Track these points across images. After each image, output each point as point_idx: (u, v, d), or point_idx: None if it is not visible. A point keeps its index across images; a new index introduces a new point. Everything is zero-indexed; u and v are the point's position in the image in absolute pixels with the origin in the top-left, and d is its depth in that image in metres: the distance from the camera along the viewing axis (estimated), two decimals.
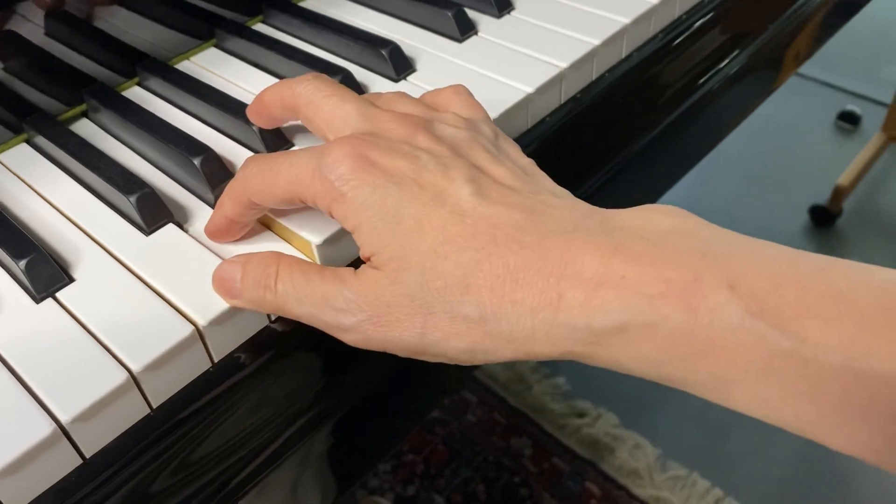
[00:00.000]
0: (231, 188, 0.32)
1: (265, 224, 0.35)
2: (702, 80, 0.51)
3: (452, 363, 0.28)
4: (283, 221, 0.33)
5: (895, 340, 0.21)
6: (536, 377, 1.25)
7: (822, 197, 1.44)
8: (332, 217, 0.29)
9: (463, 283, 0.26)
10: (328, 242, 0.33)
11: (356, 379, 0.36)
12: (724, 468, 1.12)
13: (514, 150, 0.32)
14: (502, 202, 0.27)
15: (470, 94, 0.34)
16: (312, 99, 0.32)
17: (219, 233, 0.33)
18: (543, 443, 1.17)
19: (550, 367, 1.26)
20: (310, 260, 0.32)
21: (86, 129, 0.42)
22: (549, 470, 1.14)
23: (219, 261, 0.32)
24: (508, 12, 0.47)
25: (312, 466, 0.37)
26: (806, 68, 1.78)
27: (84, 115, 0.43)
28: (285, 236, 0.34)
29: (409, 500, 1.12)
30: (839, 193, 1.41)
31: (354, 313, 0.28)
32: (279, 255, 0.30)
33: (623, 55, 0.47)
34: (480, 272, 0.26)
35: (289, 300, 0.29)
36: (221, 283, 0.31)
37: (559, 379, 1.24)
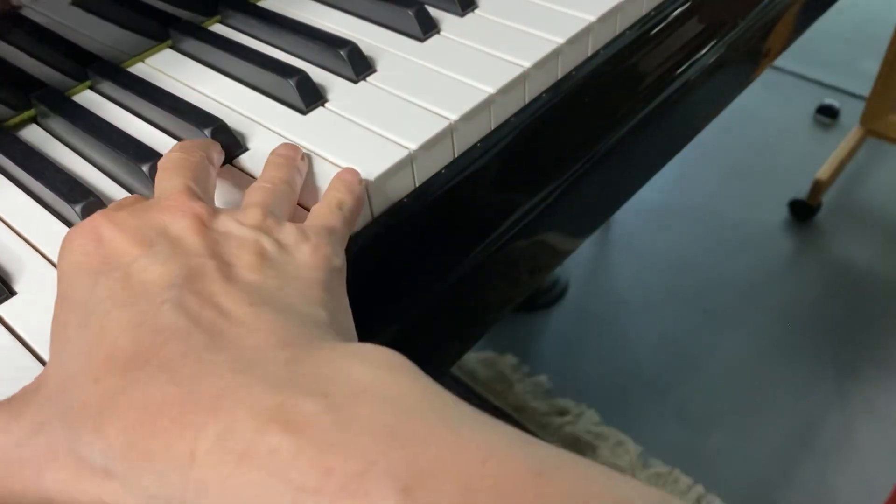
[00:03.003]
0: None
1: None
2: (675, 75, 0.51)
3: None
4: None
5: None
6: (518, 376, 1.24)
7: (802, 191, 1.44)
8: None
9: (97, 420, 0.21)
10: None
11: None
12: (705, 465, 1.11)
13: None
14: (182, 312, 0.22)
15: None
16: None
17: None
18: None
19: (532, 364, 1.26)
20: None
21: (35, 135, 0.41)
22: None
23: None
24: (472, 10, 0.46)
25: None
26: (784, 62, 1.78)
27: (34, 120, 0.42)
28: None
29: None
30: (818, 187, 1.41)
31: None
32: None
33: (589, 53, 0.46)
34: (112, 407, 0.21)
35: None
36: None
37: (541, 377, 1.23)
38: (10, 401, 0.24)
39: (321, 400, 0.19)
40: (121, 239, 0.25)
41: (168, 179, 0.29)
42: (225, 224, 0.27)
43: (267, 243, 0.26)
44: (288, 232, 0.28)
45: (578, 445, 1.15)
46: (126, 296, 0.23)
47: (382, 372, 0.20)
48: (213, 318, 0.23)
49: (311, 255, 0.27)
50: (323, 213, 0.31)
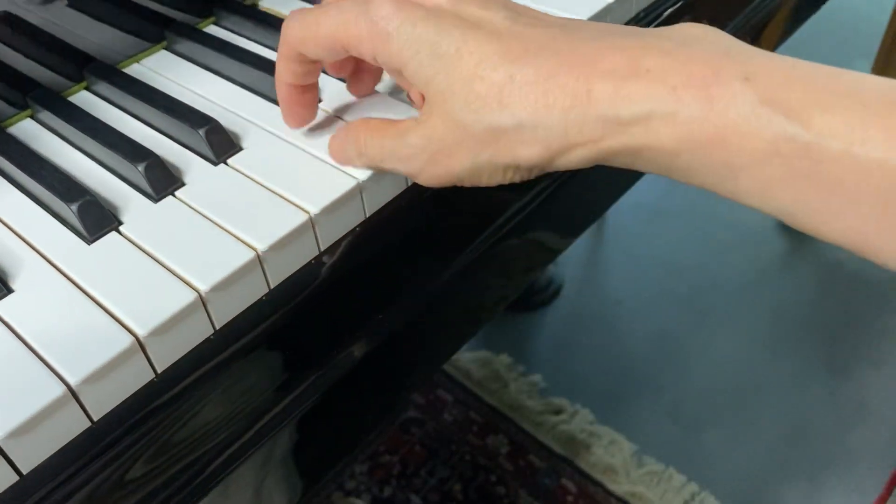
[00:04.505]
0: (279, 52, 0.34)
1: None
2: None
3: (507, 181, 0.30)
4: None
5: (892, 129, 0.23)
6: (513, 375, 1.25)
7: None
8: (377, 62, 0.31)
9: (498, 99, 0.28)
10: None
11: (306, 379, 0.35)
12: (699, 463, 1.12)
13: None
14: (536, 24, 0.29)
15: None
16: None
17: (291, 111, 0.36)
18: (520, 441, 1.17)
19: (526, 364, 1.26)
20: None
21: (31, 135, 0.41)
22: (525, 468, 1.14)
23: (162, 270, 0.32)
24: None
25: (275, 466, 0.36)
26: None
27: (30, 120, 0.42)
28: None
29: (386, 501, 1.11)
30: None
31: (417, 158, 0.31)
32: (364, 121, 0.33)
33: None
34: (514, 84, 0.27)
35: (375, 160, 0.33)
36: (334, 154, 0.35)
37: (535, 376, 1.24)
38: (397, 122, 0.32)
39: (672, 41, 0.27)
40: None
41: None
42: None
43: None
44: None
45: (573, 444, 1.15)
46: (468, 24, 0.29)
47: (705, 29, 0.28)
48: (552, 21, 0.30)
49: None
50: None
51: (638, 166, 0.28)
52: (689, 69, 0.26)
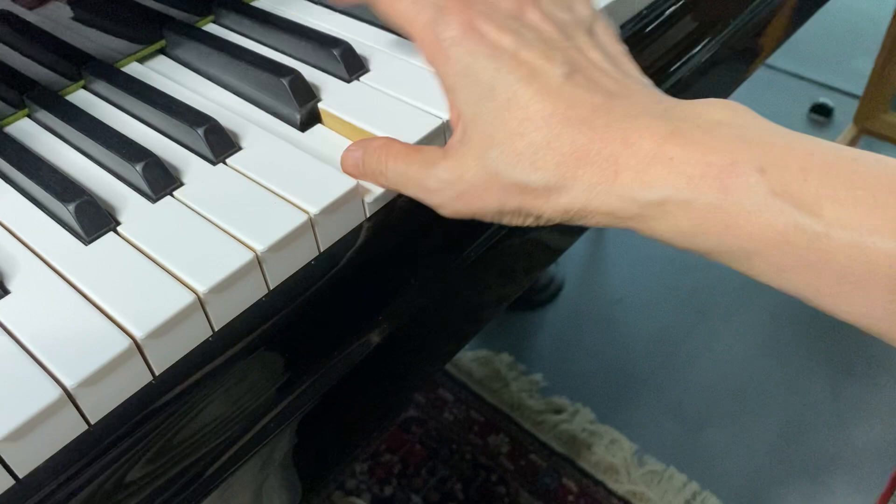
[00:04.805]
0: None
1: None
2: (668, 72, 0.51)
3: (525, 225, 0.32)
4: None
5: None
6: (513, 374, 1.24)
7: None
8: (432, 67, 0.32)
9: (532, 160, 0.29)
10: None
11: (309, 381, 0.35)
12: (700, 462, 1.12)
13: (609, 36, 0.34)
14: (587, 86, 0.30)
15: None
16: None
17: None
18: (520, 440, 1.17)
19: (527, 363, 1.26)
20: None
21: (28, 134, 0.41)
22: (526, 467, 1.13)
23: (160, 271, 0.31)
24: None
25: (275, 469, 0.36)
26: (778, 60, 1.78)
27: (28, 119, 0.42)
28: None
29: (387, 501, 1.11)
30: None
31: (443, 193, 0.32)
32: (388, 144, 0.34)
33: None
34: (549, 150, 0.29)
35: (396, 185, 0.34)
36: (346, 168, 0.35)
37: (536, 375, 1.24)
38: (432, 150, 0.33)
39: (697, 127, 0.28)
40: (496, 34, 0.31)
41: None
42: (547, 7, 0.33)
43: (583, 21, 0.34)
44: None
45: (574, 444, 1.15)
46: (525, 72, 0.30)
47: (731, 112, 0.29)
48: (604, 85, 0.30)
49: (606, 28, 0.34)
50: None
51: (658, 240, 0.30)
52: (708, 159, 0.27)
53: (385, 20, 0.33)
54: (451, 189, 0.32)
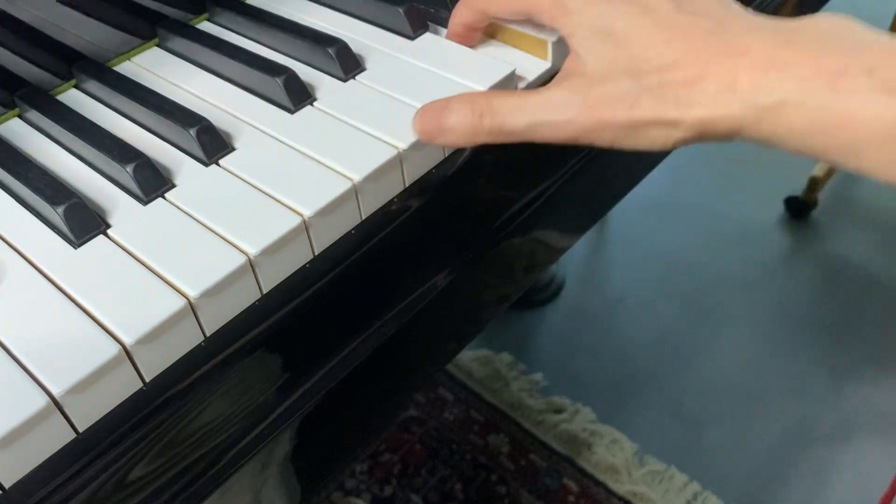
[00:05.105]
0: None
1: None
2: None
3: (646, 148, 0.34)
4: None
5: None
6: (513, 374, 1.24)
7: (798, 188, 1.43)
8: (555, 27, 0.36)
9: (660, 78, 0.32)
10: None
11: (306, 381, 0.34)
12: (701, 462, 1.11)
13: None
14: (698, 14, 0.33)
15: None
16: None
17: (456, 40, 0.42)
18: (521, 440, 1.16)
19: (527, 363, 1.25)
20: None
21: (17, 134, 0.40)
22: (526, 467, 1.13)
23: (150, 275, 0.31)
24: None
25: (273, 472, 0.35)
26: None
27: (17, 119, 0.41)
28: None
29: (386, 501, 1.11)
30: (814, 184, 1.41)
31: (572, 105, 0.33)
32: (487, 92, 0.37)
33: None
34: (677, 69, 0.32)
35: (508, 114, 0.34)
36: (428, 124, 0.36)
37: (536, 375, 1.23)
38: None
39: (807, 37, 0.31)
40: None
41: None
42: None
43: None
44: None
45: (574, 443, 1.14)
46: (637, 9, 0.33)
47: (840, 21, 0.32)
48: (711, 12, 0.33)
49: None
50: None
51: (773, 144, 0.32)
52: (820, 63, 0.29)
53: (510, 13, 0.38)
54: (579, 96, 0.33)
